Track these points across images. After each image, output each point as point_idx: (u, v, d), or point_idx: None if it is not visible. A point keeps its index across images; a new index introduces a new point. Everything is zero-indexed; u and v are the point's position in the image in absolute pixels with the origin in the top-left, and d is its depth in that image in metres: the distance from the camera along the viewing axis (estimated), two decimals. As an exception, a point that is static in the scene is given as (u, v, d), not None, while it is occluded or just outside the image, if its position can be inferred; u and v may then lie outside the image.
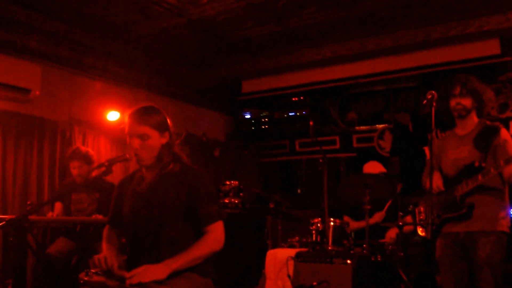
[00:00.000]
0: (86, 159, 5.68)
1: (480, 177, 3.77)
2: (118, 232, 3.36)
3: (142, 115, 3.12)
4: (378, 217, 5.82)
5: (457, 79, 4.06)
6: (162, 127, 3.15)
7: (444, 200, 3.98)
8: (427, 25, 6.40)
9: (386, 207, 5.92)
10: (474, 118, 4.09)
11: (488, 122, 4.08)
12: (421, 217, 4.34)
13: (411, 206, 5.64)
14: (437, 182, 4.04)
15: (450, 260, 3.96)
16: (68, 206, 5.67)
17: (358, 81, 7.70)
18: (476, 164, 3.83)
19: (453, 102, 4.04)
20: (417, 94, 7.66)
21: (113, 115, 6.83)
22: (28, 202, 5.36)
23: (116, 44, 6.75)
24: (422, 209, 4.34)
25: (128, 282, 2.69)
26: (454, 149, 4.09)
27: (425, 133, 6.59)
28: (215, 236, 3.07)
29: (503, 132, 3.97)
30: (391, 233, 5.73)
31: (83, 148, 5.86)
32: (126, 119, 3.15)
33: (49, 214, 5.60)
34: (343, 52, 7.04)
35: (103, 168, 3.17)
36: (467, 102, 4.00)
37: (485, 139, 3.92)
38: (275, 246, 5.47)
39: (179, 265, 2.91)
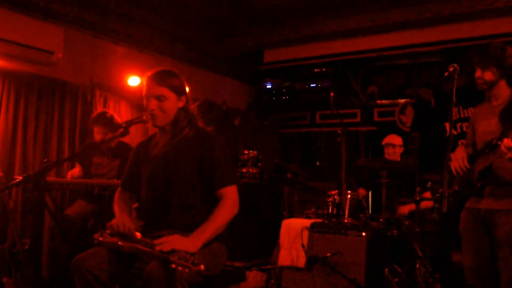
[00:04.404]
0: (111, 124, 5.58)
1: (492, 157, 3.59)
2: (131, 196, 3.40)
3: (161, 76, 3.15)
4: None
5: (475, 49, 3.83)
6: (179, 90, 3.18)
7: (465, 175, 3.81)
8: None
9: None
10: (504, 88, 3.78)
11: None
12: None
13: (429, 183, 5.61)
14: (462, 160, 3.79)
15: (470, 236, 3.85)
16: (88, 169, 5.66)
17: (381, 54, 7.58)
18: (494, 141, 3.71)
19: (475, 75, 3.78)
20: (440, 69, 7.54)
21: (134, 80, 6.83)
22: (45, 160, 5.36)
23: (139, 10, 6.72)
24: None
25: (158, 248, 2.68)
26: (483, 121, 3.86)
27: (447, 109, 6.49)
28: (231, 200, 3.07)
29: None
30: (403, 209, 5.70)
31: (108, 113, 5.75)
32: (145, 81, 3.17)
33: (70, 173, 5.64)
34: (367, 24, 6.93)
35: (121, 129, 3.18)
36: (487, 74, 3.73)
37: (511, 112, 3.67)
38: (291, 217, 5.46)
39: (208, 236, 2.92)
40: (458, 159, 3.83)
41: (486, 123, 3.84)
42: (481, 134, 3.84)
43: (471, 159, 3.81)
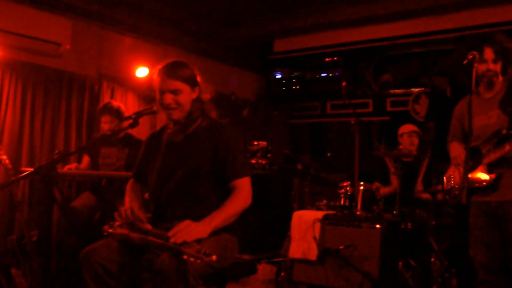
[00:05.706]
0: (117, 114, 5.63)
1: (507, 146, 3.52)
2: (142, 187, 3.39)
3: (174, 69, 3.11)
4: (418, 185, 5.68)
5: (488, 41, 3.69)
6: (192, 81, 3.15)
7: (471, 169, 3.69)
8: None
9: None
10: (499, 78, 3.76)
11: None
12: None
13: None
14: (460, 155, 3.79)
15: (481, 231, 3.75)
16: (96, 159, 5.65)
17: (394, 42, 7.47)
18: (504, 131, 3.58)
19: (483, 67, 3.68)
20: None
21: (142, 72, 6.75)
22: (56, 151, 5.38)
23: (146, 0, 6.66)
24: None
25: (172, 240, 2.67)
26: (481, 115, 3.77)
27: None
28: (245, 192, 3.06)
29: None
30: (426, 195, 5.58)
31: (115, 103, 5.81)
32: (156, 74, 3.14)
33: (75, 165, 5.61)
34: (380, 11, 6.79)
35: (130, 121, 3.13)
36: (497, 66, 3.68)
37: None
38: (301, 209, 5.41)
39: (218, 223, 2.91)
40: (456, 157, 3.85)
41: (485, 117, 3.77)
42: (481, 128, 3.76)
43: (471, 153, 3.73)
